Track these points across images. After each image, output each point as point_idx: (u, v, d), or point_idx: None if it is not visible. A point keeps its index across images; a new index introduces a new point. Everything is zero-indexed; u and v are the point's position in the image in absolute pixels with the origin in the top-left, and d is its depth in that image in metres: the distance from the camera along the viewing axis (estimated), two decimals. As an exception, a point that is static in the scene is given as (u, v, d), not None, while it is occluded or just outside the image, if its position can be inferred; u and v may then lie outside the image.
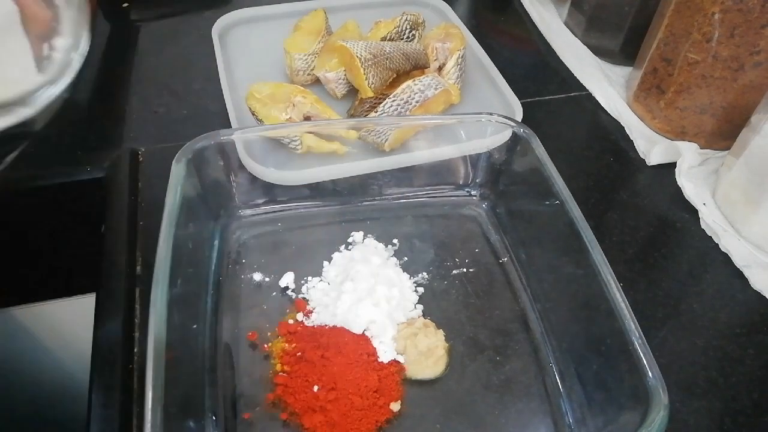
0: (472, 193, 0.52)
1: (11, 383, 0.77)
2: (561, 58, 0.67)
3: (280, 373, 0.38)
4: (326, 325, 0.41)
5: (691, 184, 0.53)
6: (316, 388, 0.37)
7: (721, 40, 0.51)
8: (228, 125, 0.52)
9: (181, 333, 0.36)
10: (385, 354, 0.40)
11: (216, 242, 0.46)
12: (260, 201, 0.49)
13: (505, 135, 0.48)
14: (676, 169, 0.54)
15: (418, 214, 0.50)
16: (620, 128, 0.60)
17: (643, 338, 0.34)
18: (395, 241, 0.48)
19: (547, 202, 0.43)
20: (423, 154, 0.51)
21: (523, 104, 0.56)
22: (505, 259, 0.47)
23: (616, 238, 0.50)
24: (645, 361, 0.33)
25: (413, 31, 0.60)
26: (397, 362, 0.40)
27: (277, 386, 0.38)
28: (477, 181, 0.51)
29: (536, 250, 0.46)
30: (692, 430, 0.39)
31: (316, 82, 0.58)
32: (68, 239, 0.58)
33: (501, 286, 0.45)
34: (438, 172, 0.52)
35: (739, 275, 0.48)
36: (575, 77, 0.65)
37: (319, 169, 0.49)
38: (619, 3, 0.63)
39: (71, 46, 0.48)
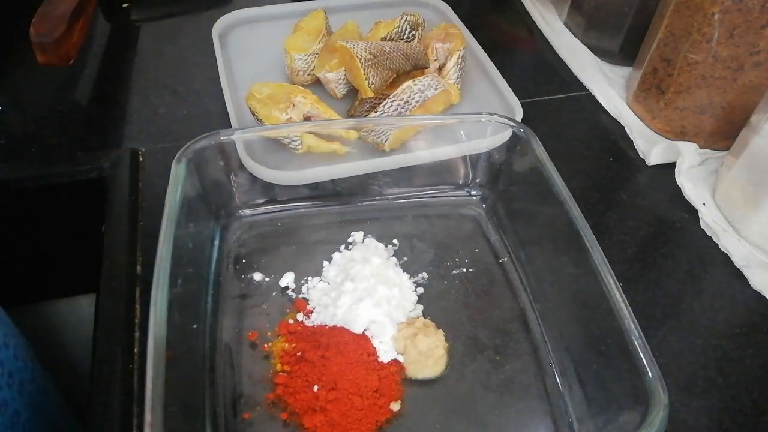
0: (472, 193, 0.52)
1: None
2: (561, 58, 0.68)
3: (280, 373, 0.39)
4: (326, 325, 0.41)
5: (690, 184, 0.53)
6: (316, 387, 0.37)
7: (721, 40, 0.51)
8: (228, 125, 0.52)
9: (181, 333, 0.36)
10: (385, 354, 0.40)
11: (216, 242, 0.46)
12: (260, 201, 0.49)
13: (505, 135, 0.48)
14: (676, 169, 0.55)
15: (418, 214, 0.50)
16: (620, 128, 0.60)
17: (643, 338, 0.34)
18: (395, 241, 0.48)
19: (547, 202, 0.43)
20: (423, 154, 0.51)
21: (522, 104, 0.56)
22: (505, 259, 0.47)
23: (616, 237, 0.50)
24: (645, 361, 0.33)
25: (413, 32, 0.60)
26: (397, 362, 0.40)
27: (277, 386, 0.38)
28: (477, 181, 0.51)
29: (536, 249, 0.46)
30: (692, 429, 0.39)
31: (316, 82, 0.58)
32: (68, 239, 0.58)
33: (501, 286, 0.45)
34: (438, 172, 0.52)
35: (739, 275, 0.48)
36: (575, 77, 0.65)
37: (319, 169, 0.49)
38: (618, 3, 0.63)
39: None
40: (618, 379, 0.36)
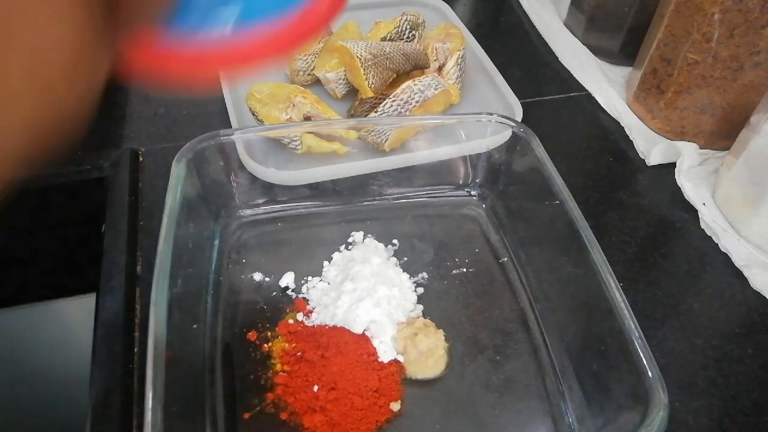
0: (472, 193, 0.52)
1: (12, 382, 0.77)
2: (560, 59, 0.67)
3: (280, 373, 0.39)
4: (326, 325, 0.41)
5: (690, 184, 0.53)
6: (316, 388, 0.37)
7: (721, 40, 0.51)
8: (228, 125, 0.52)
9: (181, 333, 0.36)
10: (385, 354, 0.40)
11: (216, 242, 0.46)
12: (260, 201, 0.49)
13: (505, 135, 0.48)
14: (676, 169, 0.55)
15: (418, 214, 0.50)
16: (620, 128, 0.60)
17: (643, 338, 0.34)
18: (395, 241, 0.48)
19: (547, 202, 0.43)
20: (423, 154, 0.51)
21: (522, 104, 0.56)
22: (505, 259, 0.47)
23: (616, 238, 0.50)
24: (644, 361, 0.33)
25: (413, 32, 0.60)
26: (397, 362, 0.40)
27: (277, 386, 0.38)
28: (477, 181, 0.51)
29: (536, 249, 0.46)
30: (692, 429, 0.39)
31: (316, 82, 0.58)
32: (68, 239, 0.58)
33: (501, 286, 0.45)
34: (438, 172, 0.52)
35: (739, 275, 0.48)
36: (575, 77, 0.65)
37: (319, 169, 0.49)
38: (618, 3, 0.63)
39: None
40: (618, 379, 0.36)
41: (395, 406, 0.38)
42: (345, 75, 0.55)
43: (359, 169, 0.49)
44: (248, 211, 0.49)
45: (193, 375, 0.37)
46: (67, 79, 0.17)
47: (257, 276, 0.44)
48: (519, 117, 0.54)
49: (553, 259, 0.45)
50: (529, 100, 0.61)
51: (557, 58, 0.68)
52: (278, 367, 0.39)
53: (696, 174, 0.54)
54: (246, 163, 0.47)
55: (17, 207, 0.54)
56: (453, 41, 0.59)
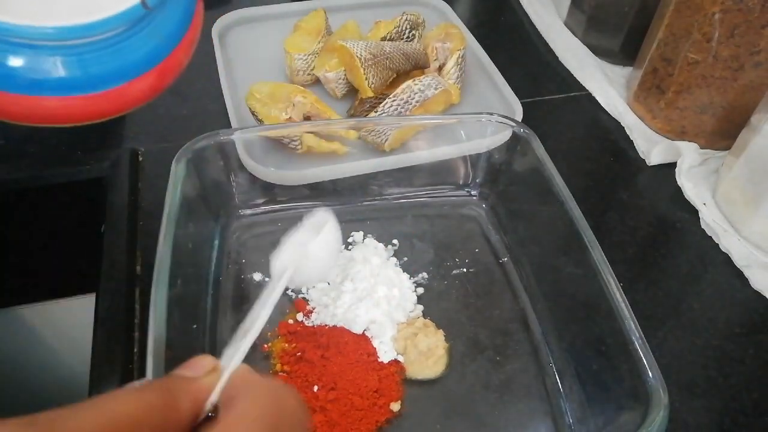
0: (472, 193, 0.52)
1: (12, 382, 0.77)
2: (560, 59, 0.67)
3: (280, 373, 0.39)
4: (326, 325, 0.41)
5: (691, 184, 0.53)
6: (316, 388, 0.37)
7: (721, 40, 0.51)
8: (228, 125, 0.52)
9: (181, 333, 0.36)
10: (385, 354, 0.40)
11: (216, 242, 0.46)
12: (260, 201, 0.49)
13: (505, 135, 0.48)
14: (677, 169, 0.54)
15: (418, 214, 0.50)
16: (620, 128, 0.60)
17: (643, 338, 0.34)
18: (395, 241, 0.48)
19: (547, 202, 0.43)
20: (423, 154, 0.51)
21: (522, 104, 0.56)
22: (505, 259, 0.47)
23: (616, 238, 0.50)
24: (645, 361, 0.33)
25: (413, 31, 0.60)
26: (397, 362, 0.40)
27: (277, 386, 0.38)
28: (477, 181, 0.51)
29: (536, 250, 0.46)
30: (692, 429, 0.39)
31: (316, 82, 0.58)
32: (68, 239, 0.58)
33: (501, 286, 0.45)
34: (438, 172, 0.51)
35: (739, 275, 0.48)
36: (575, 77, 0.65)
37: (319, 169, 0.49)
38: (619, 3, 0.63)
39: None
40: (618, 379, 0.36)
41: (395, 407, 0.38)
42: (345, 75, 0.55)
43: (359, 169, 0.49)
44: (248, 211, 0.49)
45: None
46: None
47: (257, 276, 0.44)
48: (519, 117, 0.54)
49: (553, 259, 0.45)
50: (529, 99, 0.61)
51: (557, 57, 0.68)
52: (278, 367, 0.39)
53: (696, 174, 0.54)
54: (246, 163, 0.47)
55: (17, 207, 0.54)
56: (453, 41, 0.58)
